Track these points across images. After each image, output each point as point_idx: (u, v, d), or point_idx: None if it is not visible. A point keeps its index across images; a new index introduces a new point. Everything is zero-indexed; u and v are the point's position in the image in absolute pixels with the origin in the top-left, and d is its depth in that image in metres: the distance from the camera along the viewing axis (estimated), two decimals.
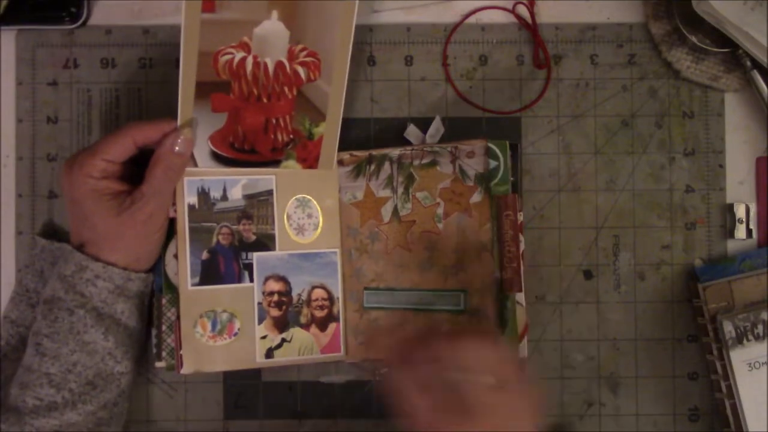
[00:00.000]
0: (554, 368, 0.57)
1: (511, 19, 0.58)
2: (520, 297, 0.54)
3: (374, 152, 0.55)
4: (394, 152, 0.55)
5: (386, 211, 0.55)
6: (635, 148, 0.58)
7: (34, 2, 0.57)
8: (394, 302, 0.55)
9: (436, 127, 0.57)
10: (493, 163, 0.54)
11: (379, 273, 0.55)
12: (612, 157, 0.58)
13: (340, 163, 0.55)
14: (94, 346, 0.49)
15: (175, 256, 0.52)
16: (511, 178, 0.54)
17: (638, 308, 0.57)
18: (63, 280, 0.50)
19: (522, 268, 0.53)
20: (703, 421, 0.57)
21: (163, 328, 0.53)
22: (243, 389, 0.57)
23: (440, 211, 0.55)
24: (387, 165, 0.55)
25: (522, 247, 0.54)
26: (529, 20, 0.58)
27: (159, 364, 0.53)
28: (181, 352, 0.52)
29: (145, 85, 0.58)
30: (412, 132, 0.57)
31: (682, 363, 0.57)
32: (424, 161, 0.55)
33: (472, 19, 0.58)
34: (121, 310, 0.50)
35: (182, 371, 0.52)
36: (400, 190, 0.55)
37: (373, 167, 0.55)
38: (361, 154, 0.55)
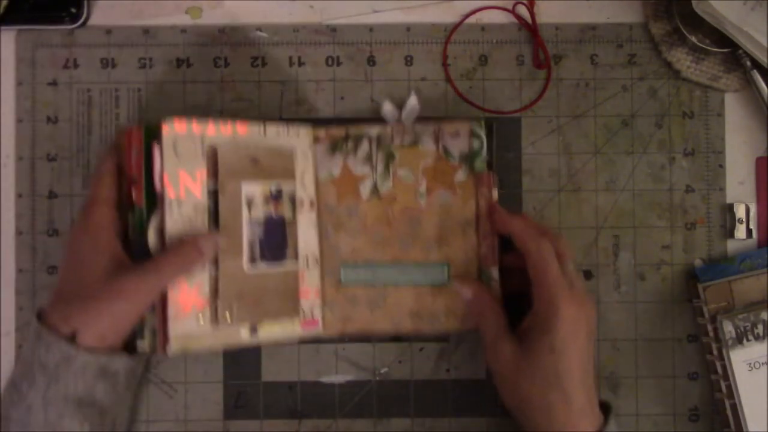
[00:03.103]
0: None
1: (511, 19, 0.58)
2: (495, 272, 0.53)
3: (352, 130, 0.55)
4: (373, 130, 0.55)
5: (365, 189, 0.55)
6: (635, 148, 0.58)
7: (34, 2, 0.57)
8: (374, 277, 0.54)
9: (411, 105, 0.57)
10: (476, 143, 0.54)
11: (357, 248, 0.55)
12: (612, 157, 0.58)
13: (317, 139, 0.55)
14: None
15: (159, 232, 0.50)
16: (486, 156, 0.54)
17: (638, 308, 0.57)
18: (45, 370, 0.46)
19: (495, 243, 0.53)
20: (703, 421, 0.57)
21: None
22: (243, 389, 0.57)
23: (422, 188, 0.54)
24: (365, 143, 0.55)
25: None
26: (529, 20, 0.58)
27: (141, 344, 0.50)
28: (168, 331, 0.49)
29: (145, 85, 0.58)
30: (388, 110, 0.57)
31: (682, 363, 0.57)
32: (405, 140, 0.55)
33: (471, 19, 0.58)
34: (101, 389, 0.48)
35: (168, 351, 0.49)
36: (380, 167, 0.55)
37: (350, 144, 0.55)
38: (338, 131, 0.55)
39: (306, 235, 0.54)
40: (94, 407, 0.48)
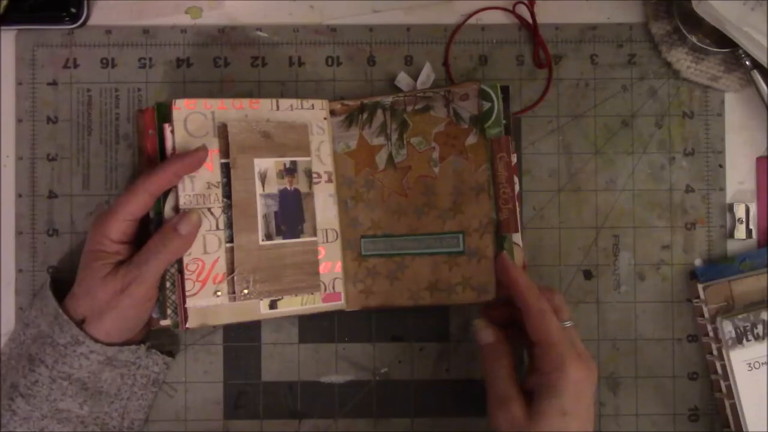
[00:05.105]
0: None
1: (512, 19, 0.58)
2: (517, 237, 0.53)
3: (366, 100, 0.55)
4: (387, 99, 0.55)
5: (381, 159, 0.55)
6: (635, 148, 0.58)
7: (34, 2, 0.57)
8: (393, 248, 0.55)
9: (427, 74, 0.57)
10: (486, 105, 0.54)
11: (376, 221, 0.55)
12: (612, 157, 0.58)
13: (332, 113, 0.55)
14: (68, 414, 0.49)
15: (175, 209, 0.50)
16: (504, 121, 0.54)
17: (638, 308, 0.57)
18: (54, 348, 0.49)
19: (518, 208, 0.53)
20: (703, 421, 0.57)
21: (167, 285, 0.51)
22: (243, 389, 0.57)
23: (435, 155, 0.55)
24: (380, 112, 0.55)
25: (517, 188, 0.54)
26: (530, 20, 0.58)
27: (164, 323, 0.51)
28: (186, 306, 0.50)
29: (145, 85, 0.58)
30: (402, 79, 0.57)
31: (682, 363, 0.57)
32: (417, 107, 0.55)
33: (472, 20, 0.58)
34: (105, 378, 0.50)
35: (187, 325, 0.50)
36: (394, 136, 0.55)
37: (365, 116, 0.55)
38: (353, 103, 0.55)
39: (324, 208, 0.54)
40: (98, 393, 0.50)
